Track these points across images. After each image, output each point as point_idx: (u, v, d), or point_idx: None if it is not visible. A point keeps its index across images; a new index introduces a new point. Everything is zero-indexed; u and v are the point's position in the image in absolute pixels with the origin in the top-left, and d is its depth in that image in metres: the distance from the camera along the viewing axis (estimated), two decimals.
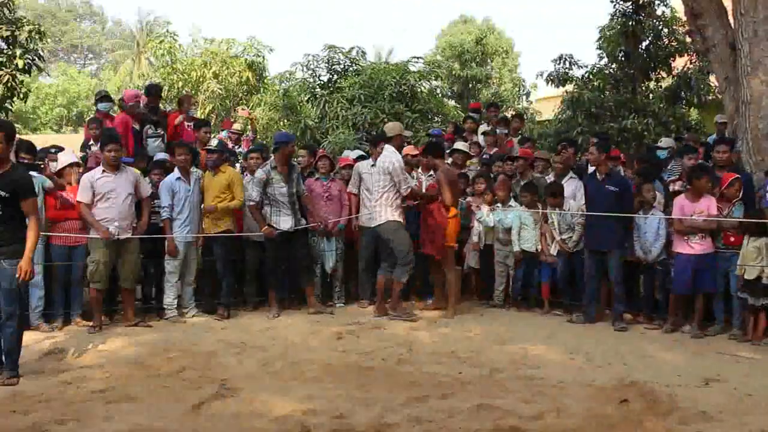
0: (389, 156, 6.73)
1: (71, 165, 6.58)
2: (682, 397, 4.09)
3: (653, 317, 6.44)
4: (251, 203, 6.74)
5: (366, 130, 10.72)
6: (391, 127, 7.17)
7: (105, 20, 50.47)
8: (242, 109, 12.47)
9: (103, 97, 8.37)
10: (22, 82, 9.65)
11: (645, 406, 3.93)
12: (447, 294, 6.94)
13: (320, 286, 7.33)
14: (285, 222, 6.76)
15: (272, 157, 6.89)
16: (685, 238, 6.04)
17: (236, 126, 10.03)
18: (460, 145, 8.05)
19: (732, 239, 5.92)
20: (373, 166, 7.32)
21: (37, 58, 9.84)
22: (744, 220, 5.82)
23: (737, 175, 6.05)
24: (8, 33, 9.38)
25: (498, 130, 9.20)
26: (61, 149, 7.35)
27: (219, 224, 6.85)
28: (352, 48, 12.38)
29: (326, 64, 12.23)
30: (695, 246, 5.99)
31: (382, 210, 6.70)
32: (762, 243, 5.61)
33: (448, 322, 6.43)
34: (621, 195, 6.31)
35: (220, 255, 6.84)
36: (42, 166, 6.47)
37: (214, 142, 8.41)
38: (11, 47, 9.48)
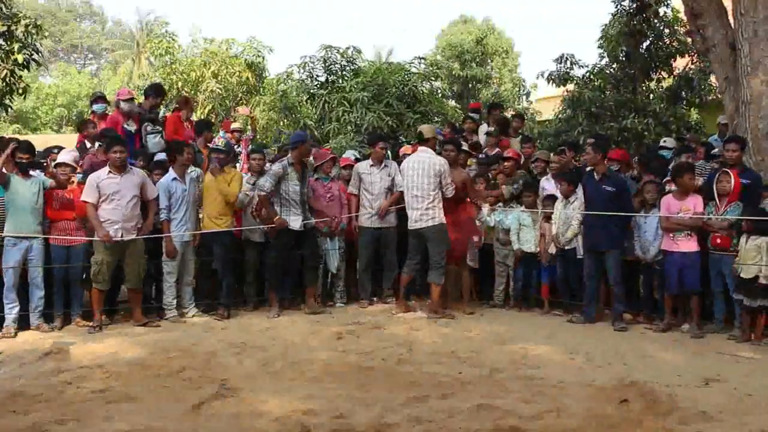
0: (433, 158, 6.70)
1: (58, 164, 6.57)
2: (682, 397, 4.08)
3: (653, 317, 6.45)
4: (262, 193, 6.71)
5: (369, 133, 10.72)
6: (428, 129, 7.12)
7: (105, 20, 50.49)
8: (243, 108, 12.46)
9: (98, 98, 8.35)
10: (20, 77, 9.64)
11: (645, 406, 3.93)
12: (462, 290, 7.07)
13: (320, 286, 7.32)
14: (295, 221, 6.77)
15: (289, 154, 6.89)
16: (671, 236, 6.07)
17: (236, 125, 10.02)
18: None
19: (719, 241, 5.92)
20: (372, 166, 7.34)
21: (35, 53, 9.83)
22: (734, 217, 5.83)
23: (725, 169, 6.03)
24: (5, 28, 9.37)
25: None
26: (62, 149, 7.37)
27: (219, 224, 6.85)
28: (348, 48, 12.38)
29: (323, 65, 12.21)
30: (680, 244, 6.03)
31: (434, 212, 6.62)
32: (763, 242, 5.59)
33: (448, 322, 6.43)
34: (618, 195, 6.33)
35: (219, 254, 6.84)
36: (45, 164, 6.49)
37: (221, 143, 8.43)
38: (9, 42, 9.47)
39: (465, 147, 7.97)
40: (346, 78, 11.95)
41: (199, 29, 34.18)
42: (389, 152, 8.10)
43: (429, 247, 6.67)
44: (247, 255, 7.13)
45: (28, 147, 6.38)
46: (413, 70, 12.09)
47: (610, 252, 6.29)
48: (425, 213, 6.60)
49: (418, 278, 7.07)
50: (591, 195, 6.48)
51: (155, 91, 8.39)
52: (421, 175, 6.63)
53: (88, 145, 7.55)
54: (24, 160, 6.22)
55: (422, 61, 12.57)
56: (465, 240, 6.96)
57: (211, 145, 7.80)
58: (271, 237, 6.97)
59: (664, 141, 8.40)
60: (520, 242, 7.10)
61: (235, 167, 7.59)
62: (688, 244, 6.01)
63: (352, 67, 12.30)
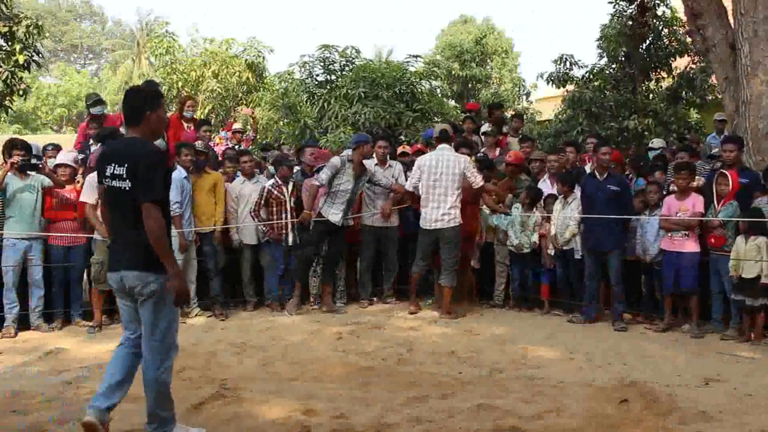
0: (457, 156, 6.66)
1: (58, 165, 6.56)
2: (682, 397, 4.08)
3: (653, 317, 6.44)
4: (316, 183, 6.81)
5: (367, 129, 10.69)
6: (449, 128, 7.04)
7: (105, 20, 50.50)
8: (245, 108, 12.44)
9: (96, 102, 8.30)
10: (21, 78, 9.63)
11: (645, 406, 3.93)
12: (463, 290, 7.06)
13: (320, 286, 7.32)
14: (334, 215, 6.81)
15: (350, 152, 6.98)
16: (669, 235, 6.08)
17: (237, 125, 10.01)
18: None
19: (712, 240, 5.92)
20: (377, 165, 7.33)
21: (36, 54, 9.82)
22: (718, 218, 5.83)
23: (723, 171, 6.05)
24: (6, 29, 9.36)
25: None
26: (58, 147, 7.34)
27: (208, 222, 6.86)
28: (347, 47, 12.37)
29: (322, 64, 12.19)
30: (677, 244, 6.04)
31: (455, 212, 6.57)
32: (762, 241, 5.58)
33: (448, 323, 6.42)
34: (621, 194, 6.32)
35: (209, 253, 6.86)
36: (40, 165, 6.44)
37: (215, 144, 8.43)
38: (9, 43, 9.46)
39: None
40: (344, 76, 11.92)
41: (197, 29, 34.07)
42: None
43: (443, 248, 6.60)
44: (243, 257, 7.15)
45: (24, 146, 6.36)
46: (410, 69, 12.03)
47: (611, 252, 6.28)
48: (447, 213, 6.54)
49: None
50: (593, 195, 6.47)
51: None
52: (445, 173, 6.55)
53: (91, 142, 7.53)
54: (22, 160, 6.19)
55: (417, 59, 12.48)
56: (469, 242, 6.96)
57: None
58: (269, 237, 6.99)
59: (652, 142, 8.46)
60: (519, 241, 7.06)
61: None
62: (686, 244, 6.01)
63: (351, 67, 12.26)
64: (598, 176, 6.48)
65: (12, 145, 6.37)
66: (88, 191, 6.16)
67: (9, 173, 6.13)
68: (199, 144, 7.29)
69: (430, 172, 6.62)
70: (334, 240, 6.97)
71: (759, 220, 5.59)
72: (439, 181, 6.57)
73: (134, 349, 3.48)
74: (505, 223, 7.14)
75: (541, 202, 7.08)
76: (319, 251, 7.03)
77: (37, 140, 7.75)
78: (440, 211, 6.55)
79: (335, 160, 6.84)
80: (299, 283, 6.97)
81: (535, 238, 6.94)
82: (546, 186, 7.27)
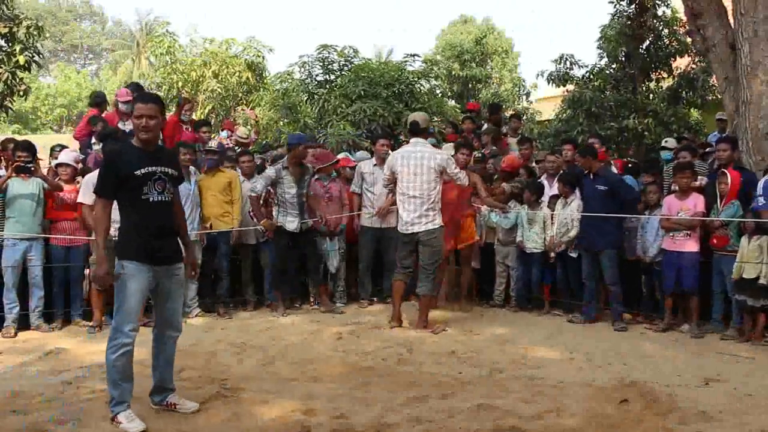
0: (433, 151, 6.04)
1: (59, 165, 6.56)
2: (682, 397, 4.08)
3: (653, 317, 6.44)
4: (253, 194, 6.76)
5: (366, 127, 10.67)
6: (424, 118, 6.43)
7: (105, 20, 50.49)
8: (249, 110, 12.45)
9: (100, 102, 8.35)
10: (21, 79, 9.64)
11: (645, 406, 3.93)
12: (462, 289, 7.01)
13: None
14: (291, 223, 6.78)
15: (284, 158, 6.91)
16: (671, 235, 6.08)
17: (242, 130, 9.99)
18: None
19: (714, 241, 5.92)
20: (375, 166, 7.32)
21: (36, 55, 9.84)
22: (727, 219, 5.83)
23: (723, 170, 6.04)
24: (6, 30, 9.38)
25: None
26: (65, 148, 7.34)
27: (225, 221, 6.88)
28: (345, 47, 12.38)
29: (321, 64, 12.19)
30: (678, 244, 6.03)
31: (434, 213, 5.96)
32: (764, 241, 5.56)
33: (448, 323, 6.41)
34: (612, 194, 6.32)
35: (224, 252, 6.85)
36: (33, 168, 6.32)
37: (213, 143, 8.41)
38: (10, 44, 9.48)
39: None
40: (343, 76, 11.93)
41: (195, 29, 34.13)
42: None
43: (421, 252, 6.03)
44: (242, 256, 7.16)
45: (27, 146, 6.35)
46: (409, 68, 12.02)
47: (604, 252, 6.28)
48: (425, 214, 5.94)
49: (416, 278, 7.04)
50: (587, 195, 6.50)
51: (94, 103, 8.50)
52: (419, 174, 5.92)
53: (93, 141, 7.54)
54: (23, 160, 6.17)
55: (415, 58, 12.46)
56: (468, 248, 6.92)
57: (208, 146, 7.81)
58: (269, 237, 6.99)
59: (666, 141, 8.39)
60: (524, 239, 7.05)
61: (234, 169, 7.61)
62: (687, 244, 6.01)
63: (350, 66, 12.26)
64: (591, 176, 6.50)
65: (14, 147, 6.37)
66: (86, 192, 6.13)
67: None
68: (211, 144, 7.31)
69: (402, 170, 5.98)
70: (302, 245, 6.91)
71: (759, 221, 5.59)
72: (413, 179, 5.94)
73: (153, 335, 3.94)
74: (506, 223, 7.14)
75: (545, 198, 7.08)
76: (287, 258, 6.93)
77: (35, 140, 7.73)
78: (417, 213, 5.94)
79: (269, 171, 6.77)
80: (277, 291, 6.97)
81: (551, 232, 6.84)
82: (546, 186, 7.27)
